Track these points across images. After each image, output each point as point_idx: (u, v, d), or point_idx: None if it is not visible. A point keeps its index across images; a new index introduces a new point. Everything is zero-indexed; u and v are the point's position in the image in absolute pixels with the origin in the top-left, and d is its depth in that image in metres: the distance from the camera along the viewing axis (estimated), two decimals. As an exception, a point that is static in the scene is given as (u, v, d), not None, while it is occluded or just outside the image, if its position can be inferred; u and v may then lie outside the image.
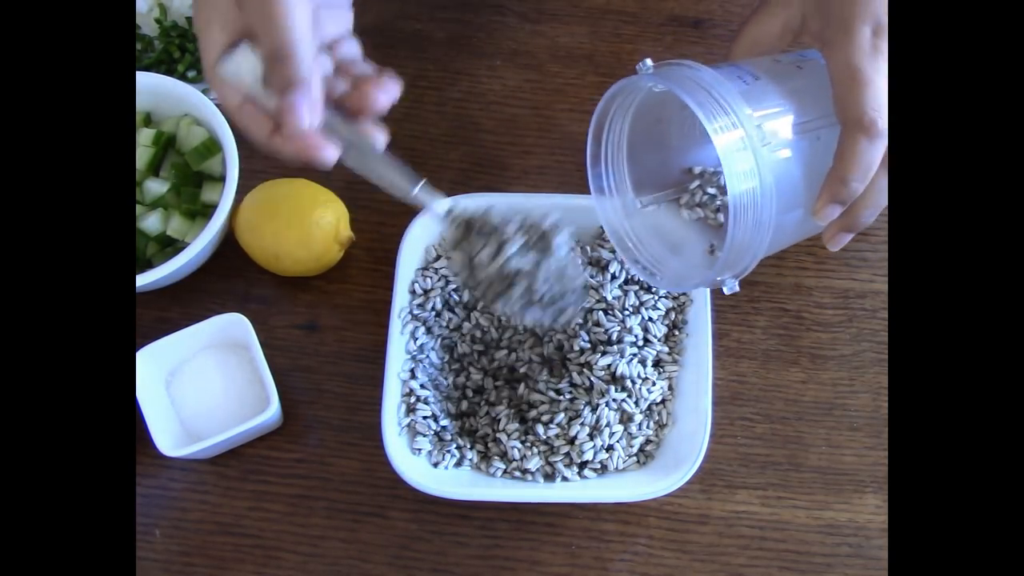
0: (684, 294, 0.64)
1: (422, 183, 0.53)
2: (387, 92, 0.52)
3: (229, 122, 0.50)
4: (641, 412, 0.61)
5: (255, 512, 0.62)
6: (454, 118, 0.74)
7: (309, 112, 0.49)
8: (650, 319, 0.63)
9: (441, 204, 0.54)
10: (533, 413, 0.61)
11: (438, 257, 0.66)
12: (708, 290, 0.63)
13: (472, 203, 0.55)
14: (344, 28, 0.54)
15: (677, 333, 0.63)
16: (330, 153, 0.50)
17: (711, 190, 0.64)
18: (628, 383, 0.61)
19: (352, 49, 0.54)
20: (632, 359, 0.61)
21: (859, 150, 0.53)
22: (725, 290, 0.56)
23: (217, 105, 0.64)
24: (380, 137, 0.52)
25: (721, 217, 0.63)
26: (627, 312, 0.63)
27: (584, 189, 0.70)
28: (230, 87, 0.50)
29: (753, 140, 0.53)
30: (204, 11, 0.50)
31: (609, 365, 0.61)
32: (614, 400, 0.60)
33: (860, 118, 0.53)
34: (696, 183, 0.64)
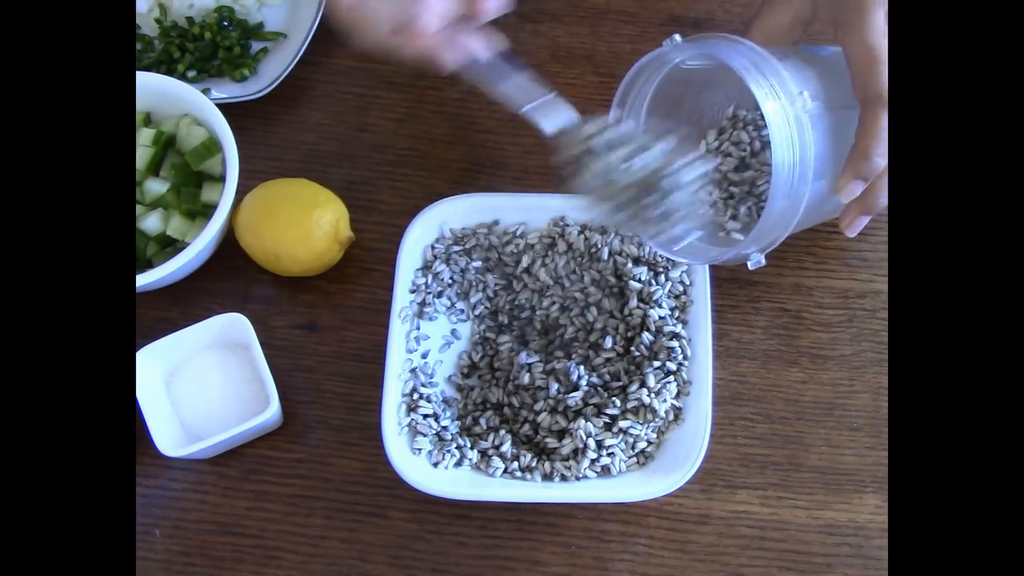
0: (685, 294, 0.64)
1: (540, 101, 0.54)
2: None
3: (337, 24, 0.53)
4: (649, 428, 0.61)
5: (255, 512, 0.62)
6: (454, 118, 0.74)
7: (439, 14, 0.50)
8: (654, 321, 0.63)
9: (552, 124, 0.55)
10: (537, 420, 0.61)
11: (455, 249, 0.66)
12: (708, 290, 0.62)
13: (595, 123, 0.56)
14: None
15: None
16: (451, 57, 0.51)
17: (723, 167, 0.66)
18: (640, 408, 0.61)
19: None
20: (641, 384, 0.61)
21: (880, 125, 0.54)
22: (750, 264, 0.57)
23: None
24: (495, 40, 0.53)
25: (737, 195, 0.65)
26: (638, 310, 0.63)
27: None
28: None
29: (796, 107, 0.54)
30: None
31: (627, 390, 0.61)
32: (623, 421, 0.61)
33: (880, 93, 0.54)
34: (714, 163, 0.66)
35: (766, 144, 0.65)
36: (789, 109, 0.54)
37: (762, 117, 0.63)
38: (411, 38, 0.51)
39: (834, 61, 0.58)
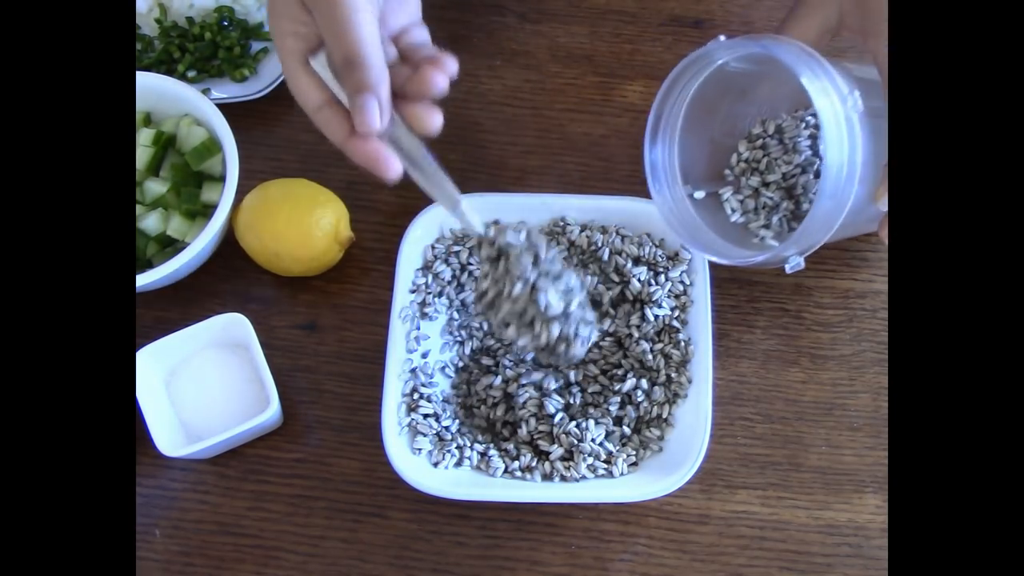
0: (685, 294, 0.64)
1: (463, 201, 0.55)
2: (445, 72, 0.52)
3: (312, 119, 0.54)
4: (648, 428, 0.61)
5: (255, 512, 0.62)
6: (454, 118, 0.72)
7: (378, 114, 0.51)
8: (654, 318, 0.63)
9: (479, 225, 0.56)
10: (535, 425, 0.61)
11: (455, 249, 0.66)
12: (708, 290, 0.63)
13: (511, 229, 0.56)
14: (413, 16, 0.56)
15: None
16: (394, 168, 0.52)
17: (754, 181, 0.66)
18: (638, 403, 0.61)
19: (421, 35, 0.56)
20: (640, 379, 0.62)
21: None
22: (788, 268, 0.57)
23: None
24: (437, 118, 0.53)
25: (774, 198, 0.66)
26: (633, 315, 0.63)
27: (583, 189, 0.70)
28: (309, 90, 0.53)
29: (848, 107, 0.54)
30: (278, 22, 0.53)
31: (622, 389, 0.61)
32: (619, 418, 0.61)
33: None
34: (738, 175, 0.67)
35: (795, 153, 0.66)
36: (840, 108, 0.54)
37: (800, 124, 0.65)
38: (359, 144, 0.52)
39: (860, 75, 0.58)
